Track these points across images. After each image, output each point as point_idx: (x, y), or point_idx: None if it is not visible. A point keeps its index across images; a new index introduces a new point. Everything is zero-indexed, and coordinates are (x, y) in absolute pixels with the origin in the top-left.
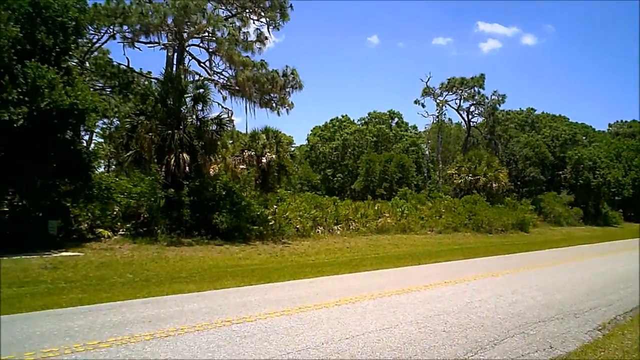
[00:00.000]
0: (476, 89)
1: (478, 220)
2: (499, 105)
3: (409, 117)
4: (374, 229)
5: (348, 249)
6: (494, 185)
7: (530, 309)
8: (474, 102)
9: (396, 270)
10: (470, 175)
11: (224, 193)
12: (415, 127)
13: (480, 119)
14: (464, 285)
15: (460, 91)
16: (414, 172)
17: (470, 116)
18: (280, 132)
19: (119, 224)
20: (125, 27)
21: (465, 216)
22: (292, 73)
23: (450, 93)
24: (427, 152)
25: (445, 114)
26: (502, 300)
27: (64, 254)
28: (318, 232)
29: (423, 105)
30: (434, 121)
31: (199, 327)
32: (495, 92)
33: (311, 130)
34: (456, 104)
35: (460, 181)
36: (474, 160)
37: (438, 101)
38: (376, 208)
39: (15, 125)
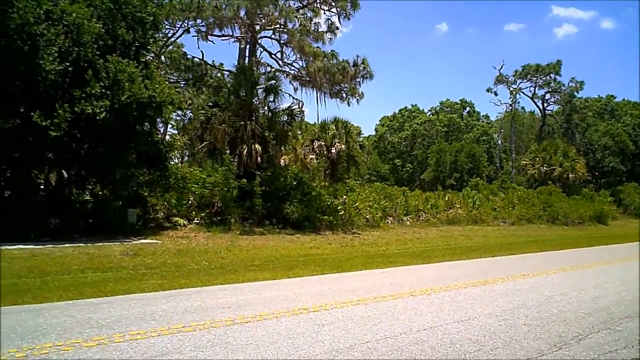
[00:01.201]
0: (552, 75)
1: (553, 212)
2: (577, 93)
3: (480, 106)
4: (444, 220)
5: (419, 240)
6: (570, 175)
7: (615, 304)
8: (550, 90)
9: (470, 262)
10: (545, 165)
11: (294, 183)
12: (487, 116)
13: (556, 107)
14: (541, 278)
15: (535, 78)
16: (485, 162)
17: (545, 104)
18: (349, 123)
19: (193, 212)
20: (199, 21)
21: (539, 208)
22: (362, 63)
23: (525, 80)
24: (499, 142)
25: (519, 102)
26: (584, 294)
27: (143, 241)
28: (388, 222)
29: (495, 94)
30: (507, 110)
31: (276, 314)
32: (572, 79)
33: (379, 121)
34: (530, 91)
35: (534, 171)
36: (549, 150)
37: (511, 89)
38: (447, 199)
39: (97, 117)
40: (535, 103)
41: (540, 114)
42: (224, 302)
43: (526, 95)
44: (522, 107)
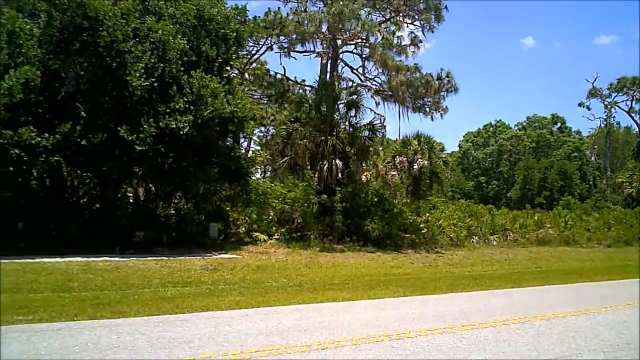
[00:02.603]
0: None
1: None
2: None
3: (571, 122)
4: (533, 240)
5: (506, 261)
6: None
7: None
8: None
9: (565, 287)
10: None
11: (375, 200)
12: (578, 132)
13: None
14: None
15: (632, 91)
16: (577, 180)
17: None
18: (432, 138)
19: (274, 228)
20: (281, 38)
21: (638, 229)
22: (447, 76)
23: (620, 94)
24: (592, 159)
25: (614, 117)
26: None
27: (223, 256)
28: (473, 242)
29: (588, 108)
30: (601, 125)
31: (356, 341)
32: None
33: (463, 136)
34: (627, 105)
35: (631, 190)
36: None
37: (606, 103)
38: (536, 218)
39: (181, 132)
40: (632, 117)
41: (637, 129)
42: (301, 324)
43: (622, 109)
44: (618, 122)
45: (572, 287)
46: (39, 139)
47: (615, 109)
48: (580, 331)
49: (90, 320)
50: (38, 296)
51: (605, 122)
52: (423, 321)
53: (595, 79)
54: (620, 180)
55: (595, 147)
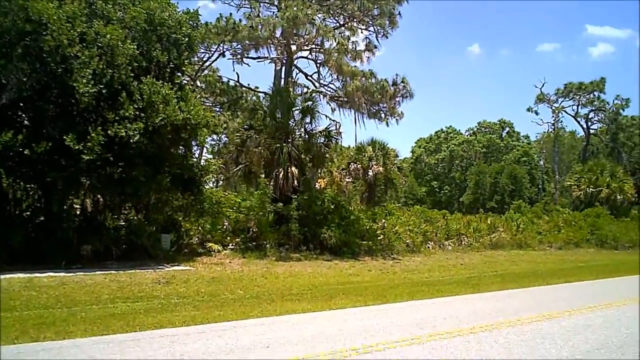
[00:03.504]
0: (596, 93)
1: (602, 235)
2: (622, 111)
3: (520, 126)
4: (487, 244)
5: (462, 266)
6: (618, 197)
7: None
8: (594, 108)
9: (523, 291)
10: (591, 186)
11: (332, 207)
12: (527, 137)
13: (600, 126)
14: (612, 311)
15: (578, 97)
16: (527, 183)
17: (589, 123)
18: (386, 145)
19: (228, 238)
20: (234, 44)
21: (587, 231)
22: (402, 81)
23: (567, 99)
24: (541, 163)
25: (561, 122)
26: None
27: (176, 268)
28: (429, 247)
29: (537, 113)
30: (549, 129)
31: (322, 356)
32: (618, 96)
33: (415, 142)
34: (573, 110)
35: (579, 193)
36: (595, 170)
37: (554, 108)
38: (489, 222)
39: (131, 140)
40: (578, 122)
41: (584, 133)
42: (260, 340)
43: (569, 114)
44: (563, 127)
45: (530, 291)
46: None
47: (562, 113)
48: (548, 337)
49: (32, 342)
50: None
51: (553, 127)
52: (389, 332)
53: (543, 85)
54: (569, 183)
55: (544, 151)
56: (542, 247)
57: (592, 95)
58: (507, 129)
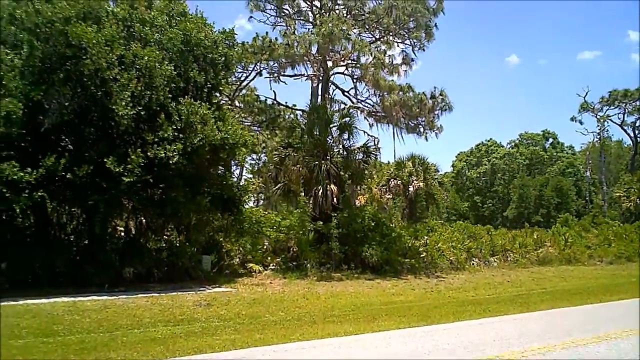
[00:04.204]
0: None
1: None
2: None
3: (562, 137)
4: (534, 260)
5: (509, 283)
6: None
7: None
8: None
9: (575, 309)
10: None
11: (372, 224)
12: (571, 147)
13: None
14: None
15: (624, 104)
16: (573, 196)
17: (636, 131)
18: (426, 160)
19: (269, 258)
20: (271, 62)
21: (639, 244)
22: (440, 94)
23: (612, 107)
24: (587, 174)
25: (607, 130)
26: None
27: (217, 289)
28: (473, 264)
29: (581, 122)
30: (594, 139)
31: None
32: None
33: (456, 156)
34: (619, 118)
35: (629, 204)
36: None
37: (599, 116)
38: (535, 237)
39: (170, 161)
40: (625, 130)
41: (631, 142)
42: None
43: (615, 122)
44: (609, 136)
45: (583, 310)
46: (22, 174)
47: (607, 122)
48: None
49: None
50: (19, 343)
51: (598, 136)
52: (435, 356)
53: (587, 93)
54: (618, 194)
55: (590, 161)
56: (593, 262)
57: (638, 103)
58: (551, 139)
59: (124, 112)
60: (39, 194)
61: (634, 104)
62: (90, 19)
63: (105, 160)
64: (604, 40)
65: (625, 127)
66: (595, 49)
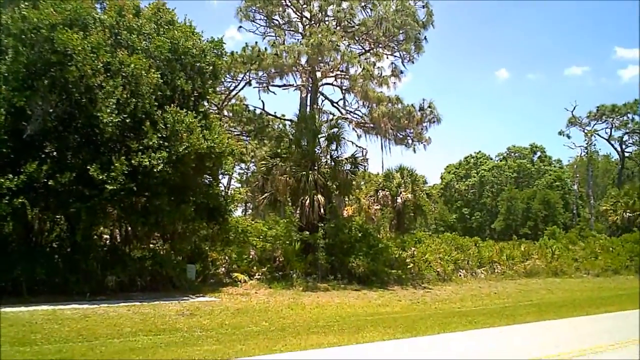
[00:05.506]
0: (630, 115)
1: None
2: None
3: (550, 151)
4: (521, 272)
5: (496, 295)
6: None
7: None
8: (628, 131)
9: (564, 322)
10: (628, 211)
11: (359, 235)
12: (559, 161)
13: (634, 149)
14: None
15: (612, 119)
16: (560, 209)
17: (623, 146)
18: (414, 171)
19: (254, 268)
20: (260, 72)
21: (626, 257)
22: (429, 106)
23: (600, 122)
24: (574, 187)
25: (594, 145)
26: None
27: (201, 299)
28: (460, 275)
29: (568, 137)
30: (582, 153)
31: None
32: None
33: (444, 169)
34: (606, 133)
35: (616, 218)
36: (632, 194)
37: (586, 131)
38: (522, 249)
39: (155, 170)
40: (612, 145)
41: (618, 157)
42: None
43: (602, 137)
44: (597, 150)
45: (570, 322)
46: (2, 180)
47: (595, 136)
48: None
49: None
50: None
51: (585, 150)
52: None
53: (575, 107)
54: (604, 208)
55: (577, 175)
56: (579, 275)
57: (625, 118)
58: (539, 153)
59: (109, 119)
60: (20, 200)
61: (621, 118)
62: (77, 26)
63: (88, 167)
64: (592, 56)
65: (613, 142)
66: (583, 64)
